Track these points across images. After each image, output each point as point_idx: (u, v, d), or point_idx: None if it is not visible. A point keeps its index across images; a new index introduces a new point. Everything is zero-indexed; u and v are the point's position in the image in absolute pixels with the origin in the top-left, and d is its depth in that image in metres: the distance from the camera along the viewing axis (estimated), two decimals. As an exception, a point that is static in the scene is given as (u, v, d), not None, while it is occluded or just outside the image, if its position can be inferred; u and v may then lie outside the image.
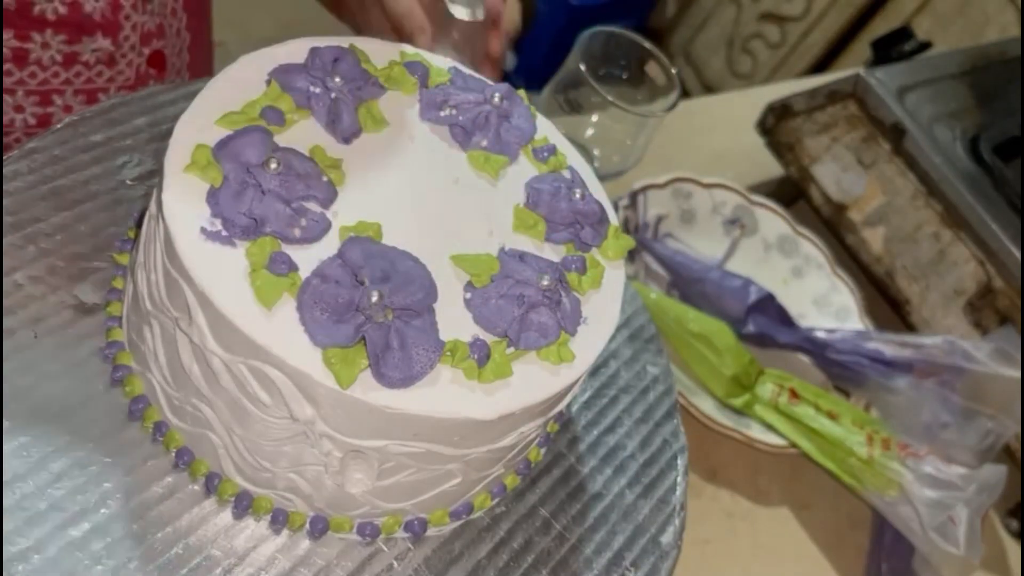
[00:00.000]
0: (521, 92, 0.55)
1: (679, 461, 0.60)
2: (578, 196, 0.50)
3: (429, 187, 0.49)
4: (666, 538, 0.56)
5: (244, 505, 0.46)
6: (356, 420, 0.41)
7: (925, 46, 0.97)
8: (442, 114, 0.52)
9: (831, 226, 0.91)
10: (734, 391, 0.76)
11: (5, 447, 0.43)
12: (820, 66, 1.90)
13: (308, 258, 0.42)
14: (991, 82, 0.96)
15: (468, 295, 0.45)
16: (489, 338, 0.44)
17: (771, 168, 0.96)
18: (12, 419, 0.44)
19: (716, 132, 1.03)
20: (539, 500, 0.54)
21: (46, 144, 0.53)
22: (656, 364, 0.64)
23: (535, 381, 0.44)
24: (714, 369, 0.76)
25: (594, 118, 0.73)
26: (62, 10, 0.63)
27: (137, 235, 0.49)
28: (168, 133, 0.44)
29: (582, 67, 0.68)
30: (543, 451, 0.55)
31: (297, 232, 0.43)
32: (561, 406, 0.49)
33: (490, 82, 0.54)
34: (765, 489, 0.78)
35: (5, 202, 0.50)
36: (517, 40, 0.71)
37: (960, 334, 0.83)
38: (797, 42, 1.95)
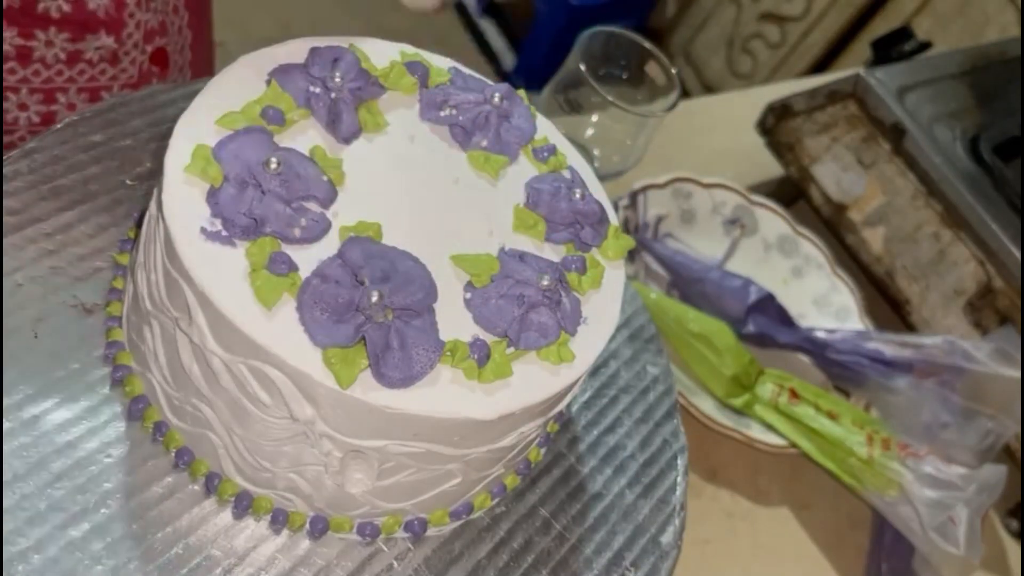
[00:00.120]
0: (521, 92, 0.55)
1: (679, 461, 0.60)
2: (578, 196, 0.50)
3: (429, 187, 0.49)
4: (666, 538, 0.56)
5: (244, 505, 0.46)
6: (356, 420, 0.41)
7: (925, 46, 0.97)
8: (442, 114, 0.52)
9: (831, 226, 0.91)
10: (734, 391, 0.76)
11: (5, 447, 0.43)
12: (820, 66, 1.90)
13: (308, 258, 0.42)
14: (991, 82, 0.96)
15: (468, 295, 0.45)
16: (489, 338, 0.44)
17: (771, 168, 0.96)
18: (12, 418, 0.44)
19: (716, 132, 1.03)
20: (539, 500, 0.54)
21: (46, 144, 0.53)
22: (656, 364, 0.64)
23: (535, 381, 0.44)
24: (714, 369, 0.76)
25: (594, 118, 0.73)
26: (66, 8, 0.64)
27: (137, 235, 0.49)
28: (168, 133, 0.44)
29: (582, 67, 0.68)
30: (543, 451, 0.55)
31: (297, 232, 0.43)
32: (561, 406, 0.49)
33: (490, 82, 0.54)
34: (765, 489, 0.78)
35: (5, 202, 0.50)
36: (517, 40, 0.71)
37: (960, 334, 0.83)
38: (797, 42, 1.95)
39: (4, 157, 0.52)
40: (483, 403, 0.43)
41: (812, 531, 0.78)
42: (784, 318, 0.83)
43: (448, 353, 0.42)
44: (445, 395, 0.42)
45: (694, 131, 1.00)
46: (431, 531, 0.50)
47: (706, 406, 0.75)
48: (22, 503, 0.42)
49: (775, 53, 1.99)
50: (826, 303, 0.88)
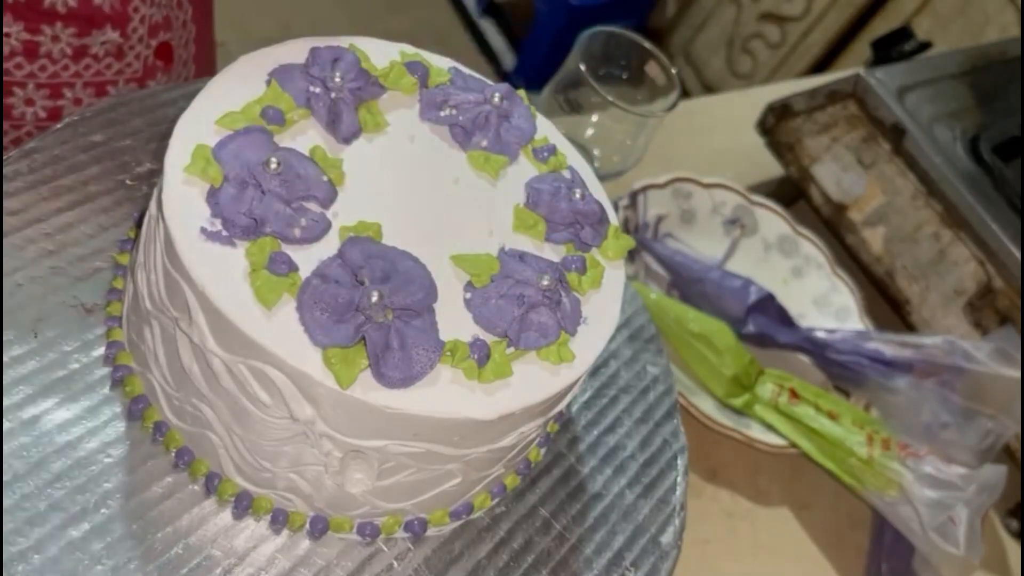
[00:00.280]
0: (521, 92, 0.55)
1: (679, 461, 0.60)
2: (578, 196, 0.50)
3: (429, 187, 0.49)
4: (666, 538, 0.56)
5: (244, 505, 0.46)
6: (356, 420, 0.41)
7: (925, 46, 0.97)
8: (442, 114, 0.52)
9: (831, 226, 0.91)
10: (734, 391, 0.76)
11: (5, 447, 0.43)
12: (820, 66, 1.90)
13: (308, 258, 0.42)
14: (991, 82, 0.96)
15: (468, 295, 0.45)
16: (489, 338, 0.44)
17: (771, 168, 0.96)
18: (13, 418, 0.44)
19: (716, 132, 1.03)
20: (539, 500, 0.54)
21: (46, 144, 0.53)
22: (656, 364, 0.64)
23: (535, 381, 0.44)
24: (714, 369, 0.76)
25: (594, 118, 0.73)
26: (72, 3, 0.64)
27: (137, 235, 0.49)
28: (168, 133, 0.44)
29: (582, 67, 0.68)
30: (543, 451, 0.55)
31: (297, 232, 0.43)
32: (561, 406, 0.49)
33: (490, 82, 0.54)
34: (765, 489, 0.78)
35: (5, 202, 0.50)
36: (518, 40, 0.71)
37: (960, 334, 0.83)
38: (797, 42, 1.95)
39: (4, 157, 0.52)
40: (483, 403, 0.43)
41: (812, 531, 0.78)
42: (784, 318, 0.83)
43: (448, 353, 0.42)
44: (445, 395, 0.42)
45: (694, 131, 1.00)
46: (431, 531, 0.50)
47: (706, 406, 0.75)
48: (22, 503, 0.42)
49: (775, 53, 1.99)
50: (826, 303, 0.88)
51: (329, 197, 0.45)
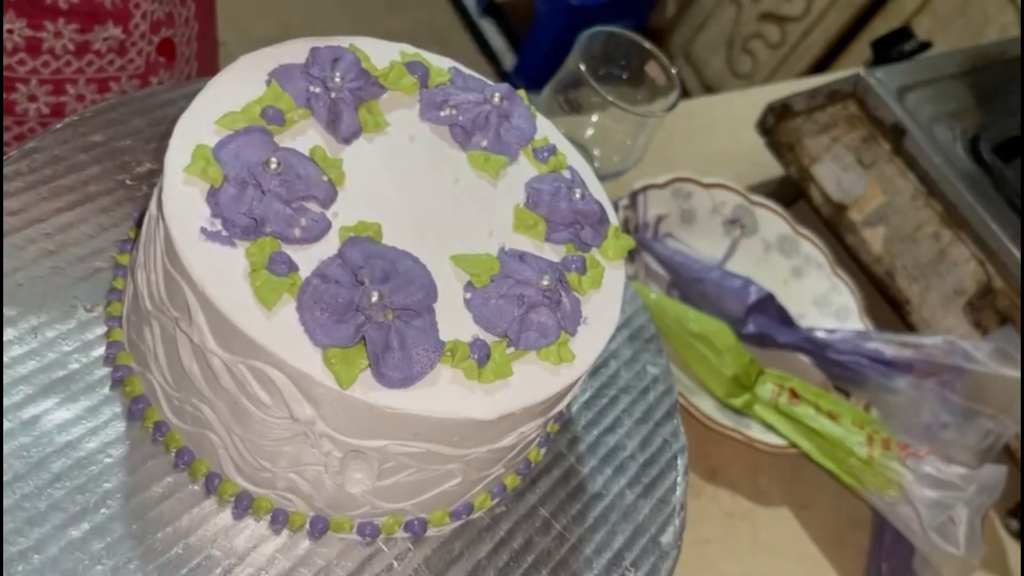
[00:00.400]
0: (521, 92, 0.55)
1: (679, 461, 0.60)
2: (578, 196, 0.50)
3: (429, 187, 0.49)
4: (666, 538, 0.56)
5: (244, 505, 0.46)
6: (356, 420, 0.41)
7: (925, 46, 0.97)
8: (442, 114, 0.52)
9: (831, 226, 0.91)
10: (734, 391, 0.76)
11: (5, 447, 0.43)
12: (820, 66, 1.90)
13: (308, 258, 0.42)
14: (991, 82, 0.96)
15: (468, 295, 0.45)
16: (489, 338, 0.44)
17: (771, 168, 0.96)
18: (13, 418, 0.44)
19: (716, 132, 1.03)
20: (539, 500, 0.54)
21: (46, 144, 0.53)
22: (656, 364, 0.64)
23: (535, 381, 0.44)
24: (714, 369, 0.76)
25: (594, 118, 0.73)
26: None
27: (137, 235, 0.49)
28: (168, 133, 0.44)
29: (582, 67, 0.68)
30: (543, 451, 0.55)
31: (297, 232, 0.43)
32: (561, 406, 0.49)
33: (490, 82, 0.54)
34: (765, 489, 0.78)
35: (5, 202, 0.50)
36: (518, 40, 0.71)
37: (960, 334, 0.83)
38: (797, 42, 1.95)
39: (4, 157, 0.52)
40: (483, 403, 0.43)
41: (812, 531, 0.78)
42: (784, 318, 0.83)
43: (448, 353, 0.42)
44: (445, 395, 0.42)
45: (694, 131, 1.00)
46: (431, 531, 0.50)
47: (706, 406, 0.75)
48: (22, 503, 0.42)
49: (775, 53, 1.99)
50: (826, 303, 0.88)
51: (329, 197, 0.45)
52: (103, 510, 0.44)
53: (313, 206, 0.44)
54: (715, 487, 0.76)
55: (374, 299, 0.40)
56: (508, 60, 2.27)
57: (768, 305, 0.82)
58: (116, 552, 0.43)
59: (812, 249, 0.90)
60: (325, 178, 0.45)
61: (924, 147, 0.85)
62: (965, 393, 0.76)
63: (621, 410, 0.61)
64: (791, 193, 0.96)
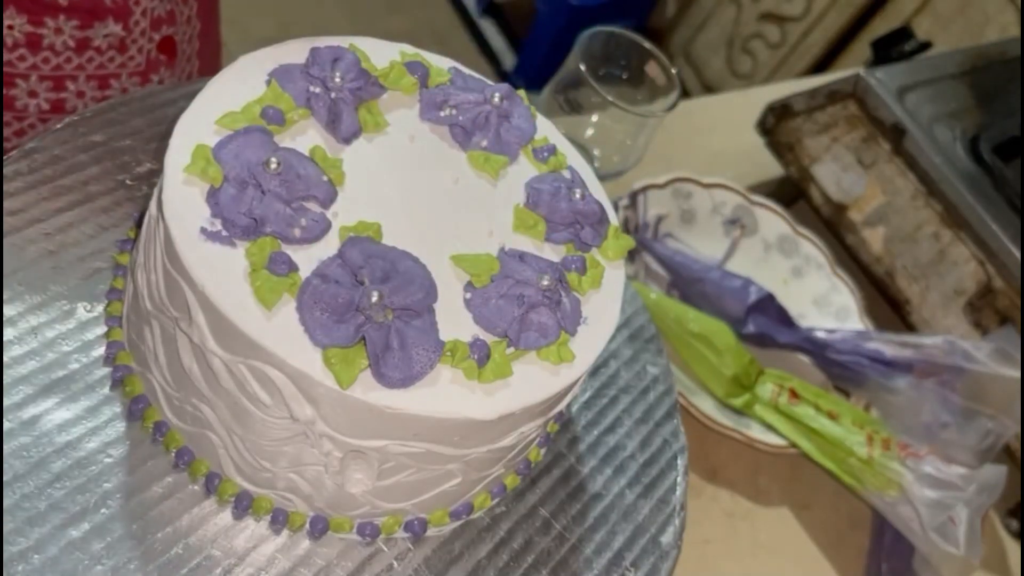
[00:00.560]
0: (521, 92, 0.55)
1: (679, 461, 0.60)
2: (578, 196, 0.50)
3: (429, 187, 0.49)
4: (666, 538, 0.56)
5: (244, 505, 0.46)
6: (356, 420, 0.41)
7: (925, 46, 0.97)
8: (442, 114, 0.52)
9: (831, 226, 0.91)
10: (734, 391, 0.76)
11: (5, 447, 0.43)
12: (820, 66, 1.90)
13: (308, 258, 0.42)
14: (991, 82, 0.96)
15: (468, 295, 0.45)
16: (489, 338, 0.44)
17: (771, 168, 0.96)
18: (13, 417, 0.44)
19: (716, 132, 1.03)
20: (539, 500, 0.54)
21: (46, 144, 0.53)
22: (656, 364, 0.64)
23: (535, 381, 0.44)
24: (714, 369, 0.76)
25: (594, 118, 0.73)
26: None
27: (137, 235, 0.49)
28: (168, 133, 0.44)
29: (582, 67, 0.68)
30: (543, 451, 0.55)
31: (297, 232, 0.43)
32: (561, 406, 0.49)
33: (490, 82, 0.54)
34: (765, 489, 0.78)
35: (5, 202, 0.50)
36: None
37: (960, 334, 0.83)
38: (797, 42, 1.95)
39: (4, 157, 0.52)
40: (483, 403, 0.43)
41: (812, 531, 0.78)
42: (784, 318, 0.83)
43: (448, 353, 0.42)
44: (445, 395, 0.42)
45: (694, 131, 1.00)
46: (431, 531, 0.50)
47: (706, 406, 0.75)
48: (22, 503, 0.42)
49: (775, 53, 1.99)
50: (826, 303, 0.88)
51: (329, 197, 0.45)
52: (103, 510, 0.44)
53: (313, 206, 0.44)
54: (715, 487, 0.76)
55: (374, 299, 0.40)
56: (508, 60, 2.27)
57: (768, 305, 0.82)
58: (116, 552, 0.43)
59: (812, 249, 0.90)
60: (325, 178, 0.45)
61: (924, 147, 0.85)
62: (965, 393, 0.76)
63: (621, 410, 0.61)
64: (791, 193, 0.96)
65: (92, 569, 0.42)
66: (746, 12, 2.04)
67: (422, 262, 0.44)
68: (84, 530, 0.43)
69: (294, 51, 0.50)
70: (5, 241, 0.49)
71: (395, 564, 0.48)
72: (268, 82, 0.48)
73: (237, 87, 0.47)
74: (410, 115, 0.52)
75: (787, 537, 0.77)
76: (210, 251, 0.41)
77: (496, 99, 0.52)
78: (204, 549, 0.45)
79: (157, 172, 0.55)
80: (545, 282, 0.45)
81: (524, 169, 0.53)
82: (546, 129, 0.56)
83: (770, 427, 0.76)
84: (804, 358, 0.83)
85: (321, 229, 0.43)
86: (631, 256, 0.82)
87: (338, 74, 0.48)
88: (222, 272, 0.41)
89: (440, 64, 0.54)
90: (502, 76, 2.21)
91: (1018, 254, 0.81)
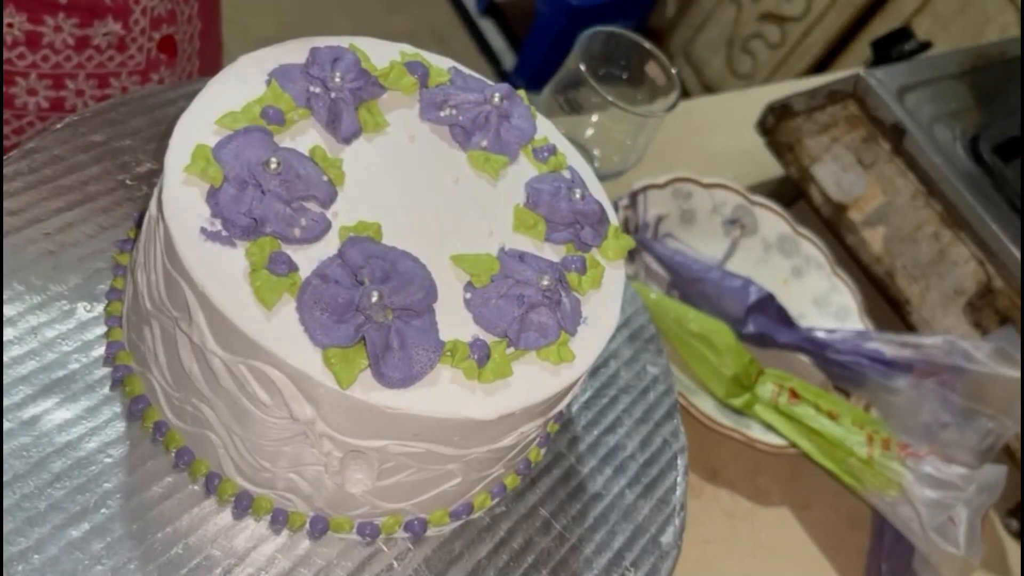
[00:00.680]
0: (521, 92, 0.55)
1: (679, 461, 0.60)
2: (578, 196, 0.50)
3: (429, 187, 0.49)
4: (666, 538, 0.56)
5: (244, 505, 0.46)
6: (356, 420, 0.41)
7: (925, 46, 0.97)
8: (442, 114, 0.52)
9: (831, 226, 0.91)
10: (734, 391, 0.76)
11: (5, 447, 0.43)
12: (820, 66, 1.90)
13: (308, 258, 0.42)
14: (991, 82, 0.96)
15: (468, 295, 0.45)
16: (489, 338, 0.44)
17: (771, 168, 0.96)
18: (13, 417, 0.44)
19: (716, 132, 1.03)
20: (539, 500, 0.54)
21: (46, 144, 0.53)
22: (656, 364, 0.64)
23: (535, 381, 0.44)
24: (714, 369, 0.76)
25: (594, 118, 0.73)
26: None
27: (137, 235, 0.49)
28: (168, 133, 0.44)
29: (582, 67, 0.68)
30: (543, 451, 0.55)
31: (297, 232, 0.43)
32: (561, 406, 0.49)
33: (490, 82, 0.54)
34: (765, 489, 0.78)
35: (5, 202, 0.50)
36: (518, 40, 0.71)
37: (960, 334, 0.83)
38: (797, 42, 1.95)
39: (4, 157, 0.52)
40: (483, 403, 0.43)
41: (812, 531, 0.78)
42: (784, 318, 0.83)
43: (448, 353, 0.42)
44: (445, 395, 0.42)
45: (694, 131, 1.00)
46: (431, 531, 0.50)
47: (706, 406, 0.74)
48: (22, 503, 0.42)
49: (775, 53, 1.99)
50: (826, 303, 0.88)
51: (329, 197, 0.45)
52: (103, 510, 0.44)
53: (313, 206, 0.44)
54: (715, 487, 0.76)
55: (374, 299, 0.40)
56: (508, 60, 2.27)
57: (768, 305, 0.82)
58: (116, 552, 0.43)
59: (812, 249, 0.90)
60: (325, 178, 0.45)
61: (924, 147, 0.85)
62: (965, 393, 0.76)
63: (621, 410, 0.61)
64: (791, 193, 0.96)
65: (92, 569, 0.42)
66: (746, 12, 2.04)
67: (422, 262, 0.44)
68: (84, 530, 0.43)
69: (294, 51, 0.50)
70: (5, 241, 0.49)
71: (395, 564, 0.48)
72: (268, 82, 0.48)
73: (237, 87, 0.47)
74: (410, 115, 0.52)
75: (787, 537, 0.77)
76: (210, 251, 0.41)
77: (496, 99, 0.52)
78: (204, 549, 0.45)
79: (157, 172, 0.55)
80: (545, 282, 0.45)
81: (524, 169, 0.53)
82: (546, 129, 0.56)
83: (770, 427, 0.76)
84: (804, 358, 0.83)
85: (321, 229, 0.43)
86: (631, 256, 0.82)
87: (338, 74, 0.48)
88: (222, 272, 0.41)
89: (440, 64, 0.54)
90: (502, 76, 2.21)
91: (1018, 254, 0.81)
